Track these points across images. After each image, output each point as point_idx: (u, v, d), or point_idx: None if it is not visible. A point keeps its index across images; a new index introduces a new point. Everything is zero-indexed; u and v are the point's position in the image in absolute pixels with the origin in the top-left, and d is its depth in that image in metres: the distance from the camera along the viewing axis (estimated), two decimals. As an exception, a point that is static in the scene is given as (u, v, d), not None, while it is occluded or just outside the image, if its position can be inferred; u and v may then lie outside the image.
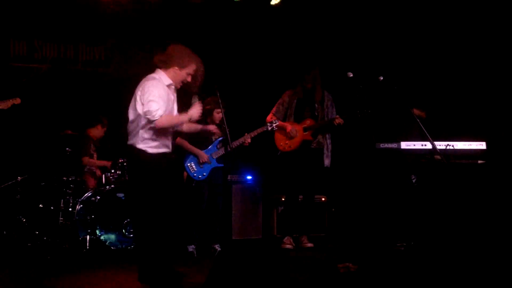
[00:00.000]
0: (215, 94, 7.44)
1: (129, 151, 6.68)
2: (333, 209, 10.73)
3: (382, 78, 7.22)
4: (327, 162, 9.21)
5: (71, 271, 7.32)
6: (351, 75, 7.16)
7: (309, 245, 9.16)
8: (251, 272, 5.64)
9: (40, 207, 9.00)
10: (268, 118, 9.18)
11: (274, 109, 9.33)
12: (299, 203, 9.43)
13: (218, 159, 8.76)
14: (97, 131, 9.77)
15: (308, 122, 9.14)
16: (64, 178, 8.93)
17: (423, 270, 6.10)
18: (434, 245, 6.47)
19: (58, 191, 8.97)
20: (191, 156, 8.69)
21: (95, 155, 9.76)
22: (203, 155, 8.64)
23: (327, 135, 9.27)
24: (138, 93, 6.54)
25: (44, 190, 9.07)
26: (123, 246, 8.77)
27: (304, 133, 9.11)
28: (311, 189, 9.32)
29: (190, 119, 6.73)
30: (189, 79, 6.74)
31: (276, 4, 10.65)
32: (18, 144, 9.37)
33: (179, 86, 6.77)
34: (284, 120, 9.22)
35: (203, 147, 8.70)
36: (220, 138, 8.77)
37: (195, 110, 6.73)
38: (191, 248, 8.63)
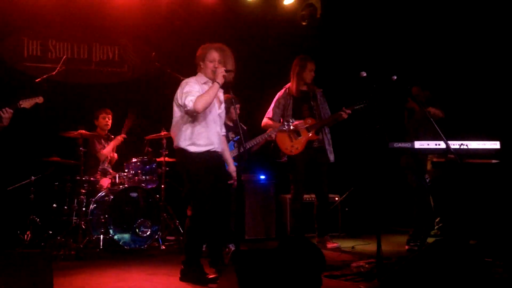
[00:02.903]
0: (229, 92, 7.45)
1: (177, 153, 7.00)
2: (347, 209, 10.72)
3: (395, 78, 7.18)
4: (331, 157, 9.15)
5: (84, 271, 7.33)
6: (365, 75, 7.12)
7: (334, 245, 9.11)
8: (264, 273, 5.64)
9: (54, 206, 9.03)
10: (265, 122, 9.16)
11: (270, 112, 9.17)
12: (303, 203, 9.45)
13: (234, 159, 8.76)
14: (103, 121, 9.80)
15: (309, 122, 9.04)
16: (78, 177, 8.95)
17: (437, 269, 6.06)
18: (448, 243, 6.43)
19: (71, 191, 8.99)
20: None
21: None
22: None
23: (326, 130, 9.19)
24: (173, 101, 6.96)
25: (57, 190, 9.10)
26: (136, 245, 8.79)
27: (308, 133, 9.06)
28: (324, 188, 9.27)
29: (220, 83, 6.77)
30: (216, 65, 6.90)
31: (290, 4, 10.65)
32: (31, 144, 9.38)
33: (213, 77, 6.86)
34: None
35: None
36: (237, 138, 8.76)
37: (218, 74, 6.79)
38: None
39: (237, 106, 8.68)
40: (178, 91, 6.88)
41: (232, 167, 7.44)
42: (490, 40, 9.71)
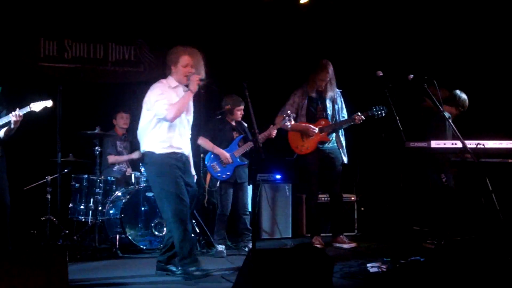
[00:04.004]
0: (243, 91, 7.43)
1: (145, 156, 7.09)
2: (363, 208, 10.70)
3: (412, 77, 7.16)
4: (345, 159, 9.16)
5: (100, 270, 7.35)
6: (381, 74, 7.10)
7: (351, 245, 9.10)
8: (281, 273, 5.64)
9: (70, 206, 9.05)
10: (277, 119, 9.14)
11: (283, 110, 9.17)
12: (319, 203, 9.47)
13: (241, 157, 8.77)
14: (121, 121, 9.85)
15: (323, 123, 9.02)
16: (94, 177, 8.97)
17: (453, 269, 6.04)
18: (464, 243, 6.42)
19: (88, 190, 9.01)
20: (213, 156, 8.73)
21: (125, 152, 9.84)
22: (226, 154, 8.65)
23: (340, 132, 9.19)
24: (143, 103, 7.00)
25: (74, 190, 9.12)
26: (153, 245, 8.80)
27: (321, 134, 9.03)
28: (338, 188, 9.26)
29: (191, 91, 6.82)
30: (189, 69, 6.93)
31: (305, 3, 10.62)
32: (48, 144, 9.41)
33: (186, 81, 6.93)
34: (295, 121, 9.15)
35: (223, 146, 8.72)
36: (241, 136, 8.79)
37: (192, 82, 6.83)
38: (221, 247, 8.62)
39: (241, 107, 8.72)
40: (149, 95, 6.95)
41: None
42: (510, 38, 9.65)
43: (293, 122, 8.71)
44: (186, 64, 6.92)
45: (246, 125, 9.05)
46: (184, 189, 6.90)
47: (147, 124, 6.93)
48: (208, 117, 9.17)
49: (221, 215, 8.73)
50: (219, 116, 8.90)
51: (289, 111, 8.87)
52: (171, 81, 7.01)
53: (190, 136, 7.29)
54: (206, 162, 8.78)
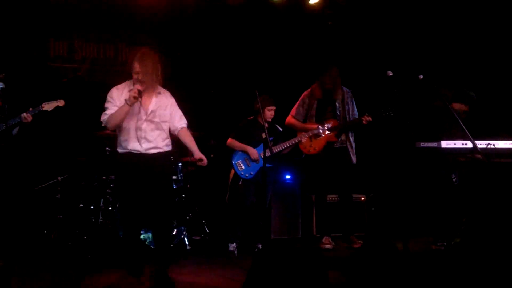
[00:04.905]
0: (255, 99, 7.42)
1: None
2: (373, 209, 10.68)
3: (422, 77, 7.15)
4: (354, 159, 9.17)
5: (111, 270, 7.36)
6: (391, 74, 7.10)
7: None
8: (290, 272, 5.64)
9: (80, 206, 9.07)
10: (288, 120, 9.22)
11: (294, 110, 9.26)
12: (328, 203, 9.50)
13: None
14: None
15: (332, 123, 9.04)
16: (104, 177, 8.98)
17: (463, 270, 6.03)
18: (475, 244, 6.40)
19: (98, 190, 9.03)
20: (239, 154, 8.73)
21: None
22: (255, 152, 8.66)
23: (350, 133, 9.21)
24: None
25: (84, 190, 9.14)
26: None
27: (328, 134, 9.04)
28: (347, 188, 9.26)
29: (128, 103, 6.73)
30: (136, 77, 6.83)
31: (315, 4, 10.63)
32: (58, 144, 9.43)
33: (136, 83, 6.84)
34: (304, 121, 9.18)
35: (251, 146, 8.74)
36: (271, 138, 8.77)
37: (129, 94, 6.74)
38: (232, 247, 8.63)
39: (272, 107, 8.72)
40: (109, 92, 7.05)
41: (197, 155, 7.24)
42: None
43: (327, 132, 8.79)
44: (136, 72, 6.82)
45: (281, 129, 9.07)
46: (135, 190, 6.85)
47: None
48: (242, 118, 9.14)
49: (239, 213, 8.74)
50: (251, 117, 8.92)
51: (294, 113, 9.08)
52: (131, 82, 7.00)
53: (185, 124, 7.27)
54: (232, 159, 8.77)
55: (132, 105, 6.75)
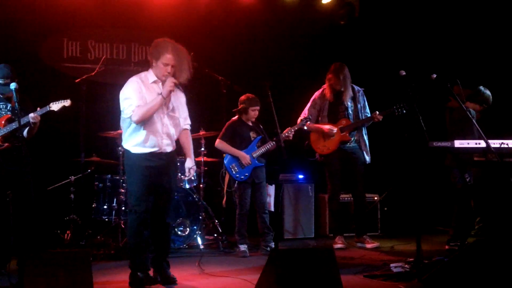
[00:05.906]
0: (265, 91, 7.37)
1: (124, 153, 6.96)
2: (386, 208, 10.66)
3: (435, 76, 7.13)
4: (367, 158, 9.15)
5: (123, 270, 7.36)
6: (404, 73, 7.07)
7: (374, 244, 9.10)
8: (303, 273, 5.64)
9: (93, 206, 9.08)
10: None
11: (306, 112, 9.22)
12: (341, 203, 9.51)
13: (259, 158, 8.77)
14: None
15: (344, 122, 9.05)
16: (117, 177, 8.99)
17: (478, 269, 6.00)
18: (490, 243, 6.36)
19: (111, 190, 9.04)
20: (232, 157, 8.71)
21: None
22: (245, 156, 8.66)
23: (363, 132, 9.20)
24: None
25: (97, 190, 9.15)
26: (176, 245, 8.83)
27: (341, 134, 9.03)
28: (361, 188, 9.24)
29: (164, 96, 6.49)
30: (167, 70, 6.57)
31: (327, 3, 10.63)
32: (71, 144, 9.45)
33: (163, 79, 6.58)
34: (317, 121, 9.16)
35: (242, 147, 8.73)
36: (259, 137, 8.78)
37: (165, 87, 6.49)
38: (243, 247, 8.62)
39: (257, 108, 8.71)
40: (122, 91, 6.64)
41: (189, 163, 7.06)
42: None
43: (309, 123, 8.77)
44: (167, 64, 6.55)
45: (261, 126, 9.05)
46: (150, 190, 6.64)
47: (123, 121, 6.71)
48: (229, 119, 9.10)
49: (240, 215, 8.75)
50: (236, 117, 8.89)
51: (306, 115, 9.04)
52: (150, 75, 6.70)
53: (188, 125, 7.06)
54: (225, 163, 8.78)
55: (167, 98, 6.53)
